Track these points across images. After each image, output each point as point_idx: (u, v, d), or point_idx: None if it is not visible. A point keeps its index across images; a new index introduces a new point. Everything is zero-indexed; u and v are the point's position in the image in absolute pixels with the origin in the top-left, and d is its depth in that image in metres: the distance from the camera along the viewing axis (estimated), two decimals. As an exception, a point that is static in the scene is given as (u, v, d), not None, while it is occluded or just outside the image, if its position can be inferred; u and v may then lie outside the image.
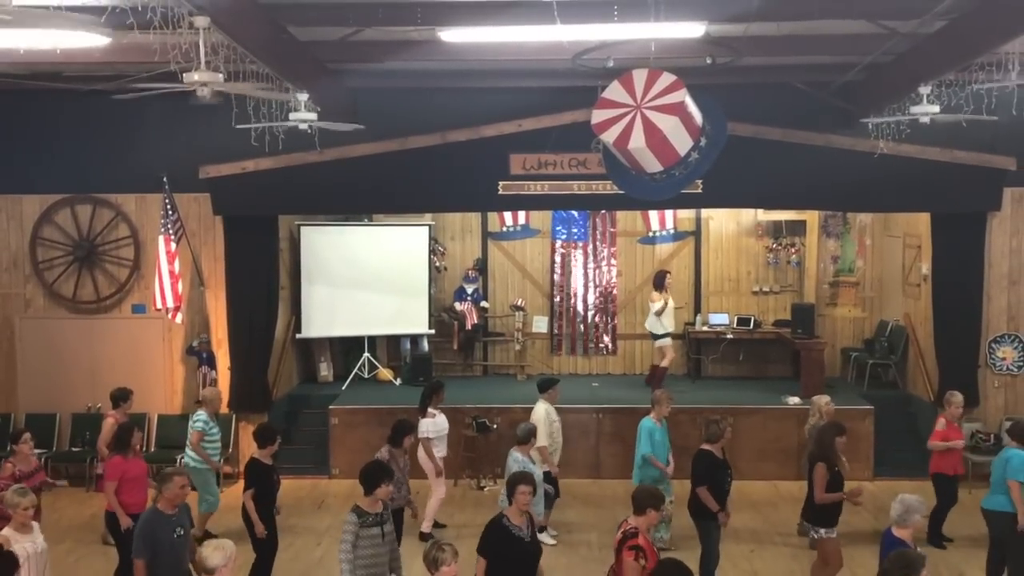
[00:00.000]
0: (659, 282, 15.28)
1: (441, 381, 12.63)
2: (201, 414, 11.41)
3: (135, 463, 9.72)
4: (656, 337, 15.12)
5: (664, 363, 15.07)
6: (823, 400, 11.45)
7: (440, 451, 11.46)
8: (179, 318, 13.45)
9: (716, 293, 16.52)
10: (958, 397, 11.15)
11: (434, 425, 11.40)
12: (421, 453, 11.29)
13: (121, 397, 11.46)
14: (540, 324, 16.58)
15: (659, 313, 14.92)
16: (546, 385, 11.63)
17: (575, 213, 16.36)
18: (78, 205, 13.91)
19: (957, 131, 11.59)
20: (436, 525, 11.56)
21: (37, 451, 13.29)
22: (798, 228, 16.20)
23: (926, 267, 14.05)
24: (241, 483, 13.34)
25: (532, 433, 10.54)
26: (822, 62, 11.93)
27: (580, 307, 16.68)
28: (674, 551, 9.89)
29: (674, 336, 15.56)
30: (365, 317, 15.39)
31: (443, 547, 6.52)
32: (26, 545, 7.56)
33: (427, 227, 15.79)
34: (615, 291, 16.63)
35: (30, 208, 13.90)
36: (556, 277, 16.65)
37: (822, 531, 9.27)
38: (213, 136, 12.75)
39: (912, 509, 7.34)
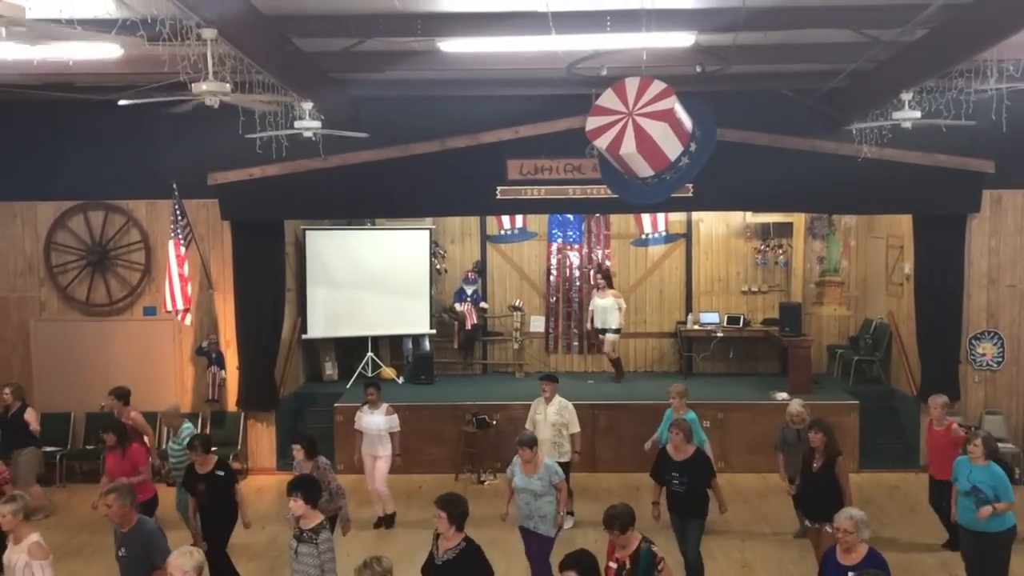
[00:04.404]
0: None
1: None
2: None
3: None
4: None
5: None
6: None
7: None
8: (189, 320, 13.72)
9: (707, 293, 16.87)
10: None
11: None
12: None
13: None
14: (537, 324, 16.94)
15: None
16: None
17: (570, 216, 16.67)
18: (91, 211, 14.20)
19: (938, 135, 11.87)
20: None
21: (49, 449, 13.76)
22: (785, 230, 16.55)
23: (908, 267, 14.35)
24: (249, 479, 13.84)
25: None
26: (808, 70, 12.14)
27: (576, 307, 17.01)
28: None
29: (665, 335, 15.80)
30: (368, 318, 15.72)
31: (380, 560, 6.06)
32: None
33: (428, 231, 16.08)
34: (610, 292, 16.99)
35: (44, 214, 14.20)
36: (552, 278, 17.01)
37: None
38: (221, 144, 13.02)
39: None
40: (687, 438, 9.56)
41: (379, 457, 11.76)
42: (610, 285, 15.87)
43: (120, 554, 7.38)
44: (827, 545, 8.86)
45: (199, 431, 13.70)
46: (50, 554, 7.06)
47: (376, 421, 11.71)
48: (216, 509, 9.41)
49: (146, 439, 11.49)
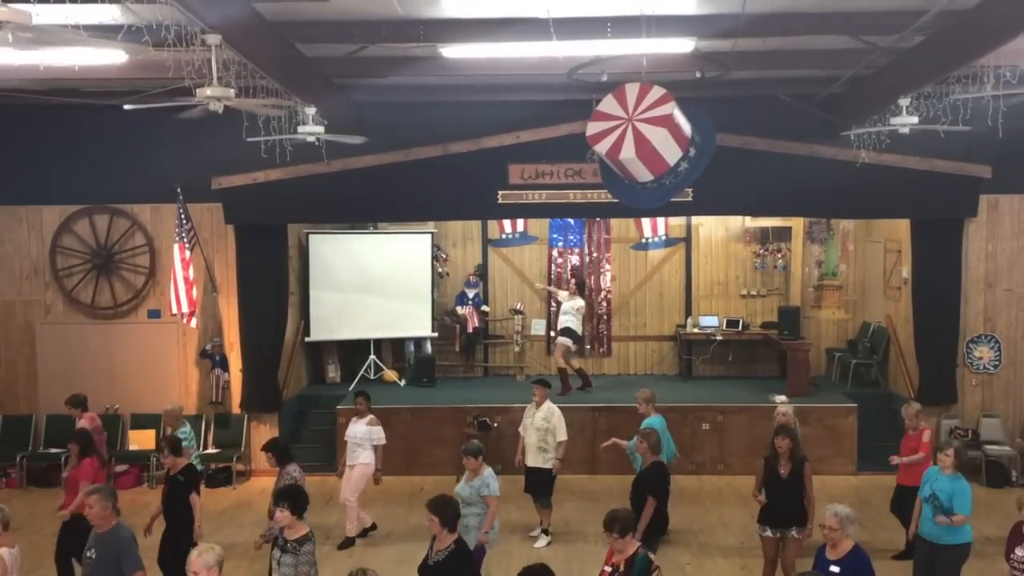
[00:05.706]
0: None
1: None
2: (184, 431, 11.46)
3: None
4: None
5: None
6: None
7: None
8: (193, 323, 13.84)
9: (706, 296, 16.95)
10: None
11: None
12: None
13: None
14: (538, 327, 16.96)
15: None
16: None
17: (571, 221, 16.73)
18: (96, 215, 14.29)
19: (935, 141, 11.89)
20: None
21: (54, 451, 13.84)
22: (784, 234, 16.61)
23: (906, 271, 14.44)
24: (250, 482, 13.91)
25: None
26: (806, 75, 12.23)
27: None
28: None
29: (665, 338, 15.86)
30: (371, 321, 15.78)
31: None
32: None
33: (430, 234, 16.16)
34: (610, 295, 17.06)
35: (50, 218, 14.29)
36: (553, 282, 17.05)
37: None
38: (225, 148, 12.96)
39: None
40: (653, 449, 9.58)
41: (354, 466, 11.34)
42: (580, 290, 15.78)
43: (88, 555, 7.17)
44: (793, 552, 9.03)
45: (202, 433, 13.91)
46: (8, 572, 6.98)
47: (358, 430, 11.39)
48: (175, 518, 9.04)
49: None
